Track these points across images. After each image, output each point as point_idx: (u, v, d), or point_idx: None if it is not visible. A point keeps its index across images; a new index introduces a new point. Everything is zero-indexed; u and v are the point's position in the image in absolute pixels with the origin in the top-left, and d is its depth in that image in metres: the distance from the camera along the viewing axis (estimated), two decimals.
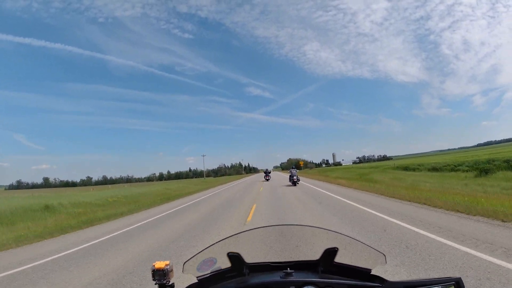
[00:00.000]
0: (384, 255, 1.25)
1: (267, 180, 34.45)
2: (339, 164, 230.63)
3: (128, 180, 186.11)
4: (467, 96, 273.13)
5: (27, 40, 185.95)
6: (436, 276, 1.82)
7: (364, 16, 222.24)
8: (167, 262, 1.14)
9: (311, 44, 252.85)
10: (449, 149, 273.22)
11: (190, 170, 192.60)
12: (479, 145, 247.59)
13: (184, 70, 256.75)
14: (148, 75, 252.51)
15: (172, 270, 1.14)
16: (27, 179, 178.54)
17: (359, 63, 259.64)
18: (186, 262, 1.26)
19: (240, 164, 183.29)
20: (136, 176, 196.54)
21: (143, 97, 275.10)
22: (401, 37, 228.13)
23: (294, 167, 27.14)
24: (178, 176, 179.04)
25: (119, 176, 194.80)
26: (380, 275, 1.16)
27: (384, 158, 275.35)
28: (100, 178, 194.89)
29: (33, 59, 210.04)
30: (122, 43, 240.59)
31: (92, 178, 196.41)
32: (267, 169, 39.50)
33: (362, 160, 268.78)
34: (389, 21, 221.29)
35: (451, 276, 1.11)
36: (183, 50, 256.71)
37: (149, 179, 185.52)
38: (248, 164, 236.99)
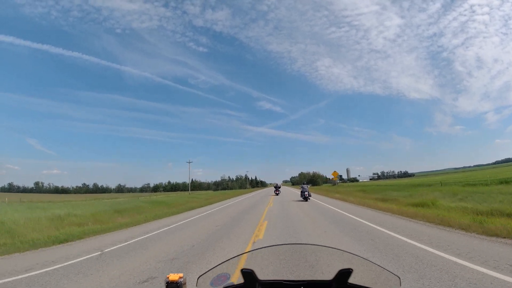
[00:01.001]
0: (399, 278, 1.21)
1: (277, 194, 35.63)
2: (355, 180, 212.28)
3: (119, 190, 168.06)
4: (480, 113, 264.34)
5: (44, 47, 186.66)
6: None
7: (377, 33, 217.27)
8: (181, 274, 1.15)
9: (323, 60, 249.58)
10: (464, 167, 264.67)
11: (192, 181, 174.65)
12: (497, 162, 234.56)
13: (197, 83, 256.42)
14: (161, 87, 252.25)
15: (185, 283, 1.15)
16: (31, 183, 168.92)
17: (371, 79, 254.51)
18: (200, 276, 1.27)
19: (246, 177, 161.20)
20: (130, 186, 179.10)
21: (155, 108, 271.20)
22: (414, 54, 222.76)
23: (305, 182, 28.29)
24: (175, 187, 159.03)
25: (117, 185, 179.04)
26: None
27: (406, 174, 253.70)
28: (91, 186, 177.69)
29: (49, 65, 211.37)
30: (138, 54, 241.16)
31: (88, 185, 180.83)
32: (277, 184, 41.67)
33: (380, 176, 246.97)
34: (402, 38, 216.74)
35: None
36: (197, 63, 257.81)
37: (142, 189, 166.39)
38: (255, 177, 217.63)
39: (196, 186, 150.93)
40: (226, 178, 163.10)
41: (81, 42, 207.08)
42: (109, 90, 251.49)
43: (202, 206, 23.17)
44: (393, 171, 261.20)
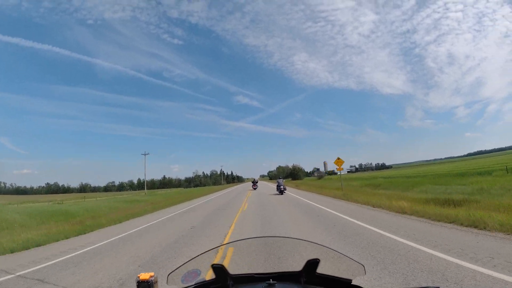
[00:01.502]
0: (363, 266, 1.26)
1: (255, 189, 37.15)
2: (333, 173, 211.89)
3: (82, 189, 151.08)
4: (450, 108, 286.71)
5: (14, 40, 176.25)
6: (415, 286, 1.89)
7: (352, 28, 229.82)
8: (152, 273, 1.13)
9: (300, 54, 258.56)
10: (435, 159, 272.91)
11: (164, 178, 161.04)
12: (469, 154, 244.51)
13: (172, 77, 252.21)
14: (135, 80, 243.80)
15: (156, 282, 1.13)
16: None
17: (345, 74, 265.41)
18: (170, 273, 1.26)
19: (221, 172, 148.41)
20: (97, 184, 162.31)
21: (129, 102, 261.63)
22: (387, 50, 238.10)
23: (281, 177, 29.39)
24: (142, 185, 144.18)
25: (80, 183, 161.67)
26: (360, 285, 1.19)
27: (383, 166, 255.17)
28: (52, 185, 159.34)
29: (20, 59, 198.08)
30: (110, 46, 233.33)
31: (51, 184, 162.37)
32: (254, 179, 44.79)
33: (358, 168, 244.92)
34: (376, 34, 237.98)
35: (430, 285, 1.13)
36: (172, 56, 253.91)
37: (106, 188, 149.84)
38: (232, 173, 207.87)
39: (166, 183, 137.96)
40: (200, 173, 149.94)
41: (53, 34, 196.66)
42: (81, 84, 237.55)
43: (140, 215, 13.27)
44: (371, 163, 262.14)
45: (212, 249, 1.47)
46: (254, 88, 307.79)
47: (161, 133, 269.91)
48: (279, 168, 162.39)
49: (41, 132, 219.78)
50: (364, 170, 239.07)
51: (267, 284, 1.13)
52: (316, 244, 1.39)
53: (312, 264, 1.23)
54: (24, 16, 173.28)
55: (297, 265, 1.31)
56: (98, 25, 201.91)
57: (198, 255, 1.35)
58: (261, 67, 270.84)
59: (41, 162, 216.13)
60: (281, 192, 23.99)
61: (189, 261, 1.31)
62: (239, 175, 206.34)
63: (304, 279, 1.25)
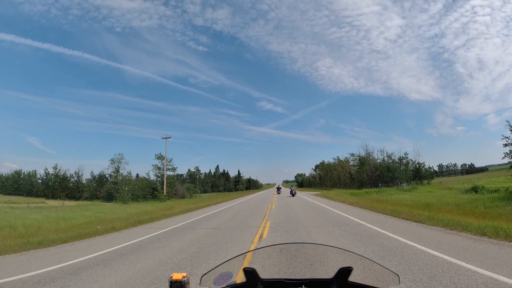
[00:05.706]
0: (398, 276, 1.21)
1: (279, 193, 42.93)
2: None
3: None
4: (481, 115, 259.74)
5: (45, 46, 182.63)
6: None
7: (378, 33, 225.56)
8: (184, 274, 1.13)
9: (324, 60, 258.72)
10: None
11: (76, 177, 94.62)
12: None
13: (198, 82, 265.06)
14: (162, 86, 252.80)
15: (189, 282, 1.14)
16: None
17: (371, 80, 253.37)
18: (203, 275, 1.27)
19: (224, 172, 70.31)
20: None
21: (156, 107, 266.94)
22: (415, 55, 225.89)
23: (292, 185, 44.52)
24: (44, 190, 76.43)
25: None
26: None
27: (472, 169, 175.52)
28: None
29: (50, 64, 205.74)
30: (138, 53, 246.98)
31: None
32: (278, 185, 54.89)
33: (437, 172, 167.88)
34: (403, 39, 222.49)
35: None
36: (197, 63, 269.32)
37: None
38: (239, 173, 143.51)
39: (76, 189, 69.02)
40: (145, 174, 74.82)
41: (82, 41, 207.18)
42: (110, 89, 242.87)
43: None
44: (455, 164, 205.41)
45: (244, 253, 1.36)
46: (277, 94, 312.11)
47: (185, 137, 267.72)
48: (322, 164, 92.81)
49: (69, 134, 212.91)
50: (450, 174, 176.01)
51: None
52: (348, 252, 1.36)
53: (345, 271, 1.19)
54: (53, 23, 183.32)
55: (329, 272, 1.26)
56: (126, 33, 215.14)
57: (230, 259, 1.33)
58: (285, 73, 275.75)
59: (68, 162, 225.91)
60: (292, 195, 33.84)
61: (221, 264, 1.31)
62: (257, 179, 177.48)
63: (335, 287, 1.21)
